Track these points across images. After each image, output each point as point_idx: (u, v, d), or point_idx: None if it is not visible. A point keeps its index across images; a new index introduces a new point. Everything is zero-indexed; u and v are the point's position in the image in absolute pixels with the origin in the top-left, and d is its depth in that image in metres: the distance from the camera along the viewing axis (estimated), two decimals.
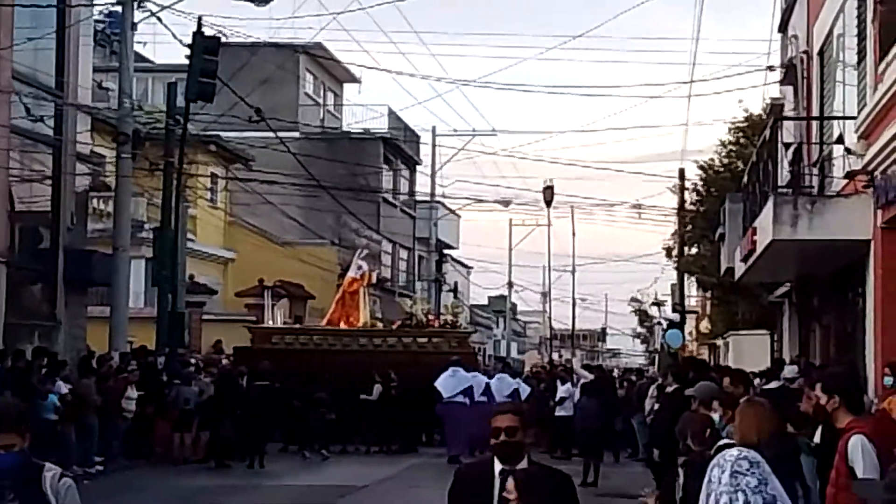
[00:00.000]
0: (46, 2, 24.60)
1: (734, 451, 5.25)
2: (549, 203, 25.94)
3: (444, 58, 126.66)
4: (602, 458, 22.17)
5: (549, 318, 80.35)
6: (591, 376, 26.20)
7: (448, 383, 25.66)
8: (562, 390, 26.63)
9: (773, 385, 16.50)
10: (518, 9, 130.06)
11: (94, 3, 27.85)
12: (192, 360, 26.97)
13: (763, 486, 5.13)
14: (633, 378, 30.12)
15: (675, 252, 42.78)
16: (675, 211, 40.92)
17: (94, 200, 31.22)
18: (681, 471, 9.04)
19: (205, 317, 34.53)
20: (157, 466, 22.51)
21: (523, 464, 5.91)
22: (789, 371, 17.74)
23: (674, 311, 42.81)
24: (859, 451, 7.09)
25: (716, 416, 9.94)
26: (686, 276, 42.30)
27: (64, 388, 20.71)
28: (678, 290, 42.92)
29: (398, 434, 27.59)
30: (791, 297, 26.68)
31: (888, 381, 13.69)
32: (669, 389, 16.01)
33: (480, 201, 51.72)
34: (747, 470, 5.15)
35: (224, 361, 27.10)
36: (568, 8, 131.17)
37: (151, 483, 20.56)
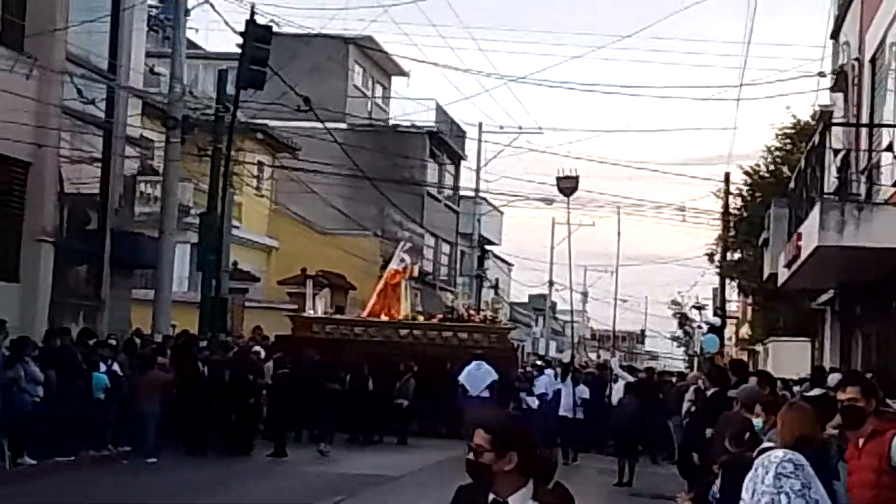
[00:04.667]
0: None
1: (779, 453, 5.23)
2: (568, 193, 25.63)
3: (492, 53, 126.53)
4: (638, 459, 22.13)
5: (578, 319, 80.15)
6: (631, 377, 26.16)
7: (473, 378, 25.47)
8: (540, 381, 26.80)
9: (815, 392, 16.35)
10: (568, 7, 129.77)
11: None
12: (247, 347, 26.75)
13: (806, 489, 5.12)
14: (673, 380, 29.95)
15: (717, 257, 42.56)
16: (720, 215, 40.71)
17: (142, 184, 31.42)
18: (718, 472, 9.02)
19: (247, 303, 34.72)
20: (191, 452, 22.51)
21: (521, 494, 4.81)
22: (833, 380, 17.58)
23: (714, 315, 42.60)
24: None
25: (758, 421, 9.88)
26: (728, 280, 42.09)
27: (116, 368, 20.94)
28: (719, 294, 42.73)
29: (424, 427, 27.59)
30: (833, 304, 26.48)
31: None
32: (709, 392, 15.94)
33: (524, 198, 51.60)
34: (791, 472, 5.13)
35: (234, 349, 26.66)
36: (618, 8, 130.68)
37: (182, 466, 20.61)
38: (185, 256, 33.24)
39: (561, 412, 25.75)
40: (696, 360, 54.52)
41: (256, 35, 25.97)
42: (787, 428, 7.68)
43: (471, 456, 4.84)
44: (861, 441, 7.32)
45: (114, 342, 22.23)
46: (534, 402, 27.67)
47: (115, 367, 21.09)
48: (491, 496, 4.88)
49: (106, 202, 25.86)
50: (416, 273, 36.63)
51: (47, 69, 22.31)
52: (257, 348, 26.91)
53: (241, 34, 26.23)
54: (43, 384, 18.67)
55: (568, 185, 26.63)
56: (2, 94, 20.56)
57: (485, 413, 5.09)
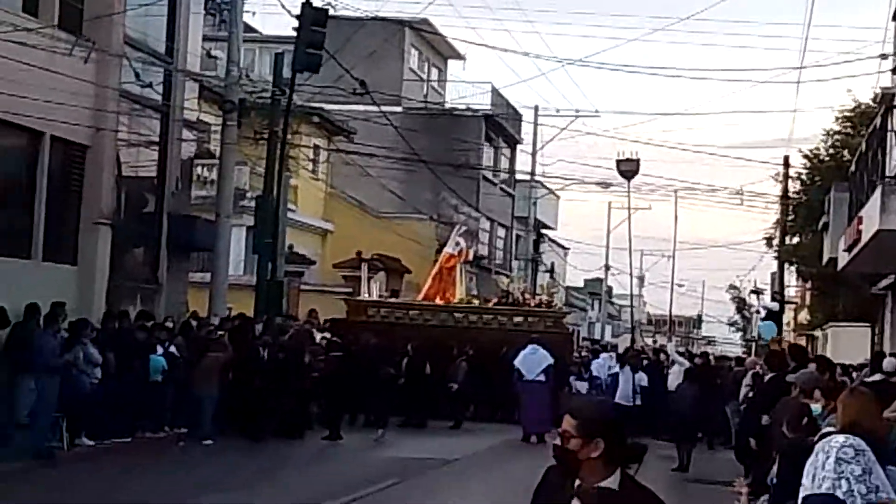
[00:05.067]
0: None
1: (840, 438, 5.16)
2: (629, 177, 25.14)
3: (549, 36, 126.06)
4: (695, 444, 22.01)
5: (639, 303, 79.78)
6: (687, 363, 26.02)
7: (528, 362, 25.41)
8: (595, 365, 26.53)
9: (875, 378, 16.19)
10: None
11: None
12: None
13: (867, 475, 5.06)
14: (731, 365, 29.74)
15: (775, 241, 42.23)
16: (778, 199, 40.37)
17: (199, 167, 31.57)
18: (776, 457, 8.94)
19: (302, 287, 34.84)
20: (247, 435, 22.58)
21: (610, 481, 4.71)
22: (889, 364, 17.40)
23: (773, 300, 42.25)
24: None
25: (817, 406, 9.79)
26: (786, 265, 41.76)
27: (173, 350, 21.15)
28: (778, 279, 42.38)
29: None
30: (894, 289, 26.20)
31: None
32: (767, 378, 15.81)
33: (581, 182, 51.45)
34: (852, 458, 5.07)
35: (290, 332, 26.67)
36: None
37: (238, 449, 20.72)
38: (242, 239, 33.40)
39: (618, 399, 25.53)
40: (753, 345, 54.10)
41: (312, 18, 25.98)
42: (846, 412, 7.59)
43: (558, 441, 4.73)
44: None
45: (170, 325, 22.40)
46: (583, 387, 27.54)
47: (173, 349, 21.29)
48: (577, 482, 4.75)
49: (163, 185, 26.02)
50: (471, 257, 36.61)
51: (105, 53, 22.43)
52: (325, 335, 26.94)
53: (298, 17, 26.25)
54: (101, 366, 18.86)
55: (629, 168, 26.37)
56: (61, 77, 20.70)
57: (574, 399, 5.00)
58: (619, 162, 25.49)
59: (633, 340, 28.36)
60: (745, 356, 34.97)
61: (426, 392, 26.99)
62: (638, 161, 25.47)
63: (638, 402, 25.83)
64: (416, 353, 27.18)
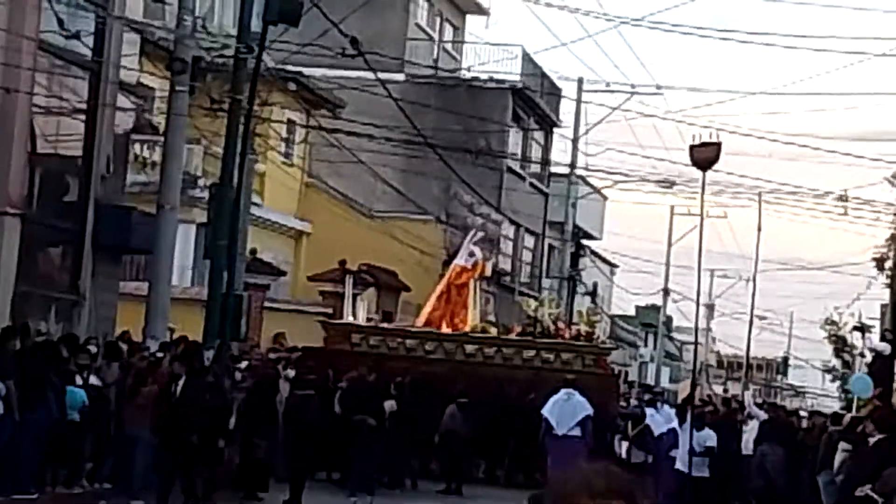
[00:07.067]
0: None
1: None
2: (706, 167, 24.39)
3: None
4: None
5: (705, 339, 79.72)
6: (765, 416, 26.03)
7: (560, 412, 25.36)
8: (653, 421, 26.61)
9: None
10: None
11: None
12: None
13: None
14: (826, 423, 29.64)
15: (888, 263, 42.26)
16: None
17: (138, 145, 31.64)
18: None
19: (267, 304, 34.87)
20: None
21: None
22: None
23: (882, 339, 42.18)
24: None
25: None
26: None
27: (95, 380, 21.19)
28: (890, 312, 42.33)
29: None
30: None
31: None
32: (873, 440, 15.83)
33: (635, 180, 51.29)
34: None
35: (254, 362, 26.59)
36: None
37: None
38: (190, 240, 33.46)
39: (676, 465, 25.42)
40: (855, 398, 54.04)
41: None
42: None
43: None
44: None
45: (94, 348, 22.40)
46: (640, 457, 27.40)
47: (95, 379, 21.26)
48: None
49: (90, 167, 26.06)
50: (488, 272, 36.64)
51: None
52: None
53: None
54: (2, 399, 18.84)
55: (706, 156, 25.74)
56: None
57: (612, 474, 4.71)
58: (692, 148, 24.85)
59: (693, 386, 28.07)
60: (843, 412, 34.98)
61: (418, 445, 26.96)
62: (719, 145, 24.83)
63: (703, 472, 25.49)
64: (407, 395, 27.07)
